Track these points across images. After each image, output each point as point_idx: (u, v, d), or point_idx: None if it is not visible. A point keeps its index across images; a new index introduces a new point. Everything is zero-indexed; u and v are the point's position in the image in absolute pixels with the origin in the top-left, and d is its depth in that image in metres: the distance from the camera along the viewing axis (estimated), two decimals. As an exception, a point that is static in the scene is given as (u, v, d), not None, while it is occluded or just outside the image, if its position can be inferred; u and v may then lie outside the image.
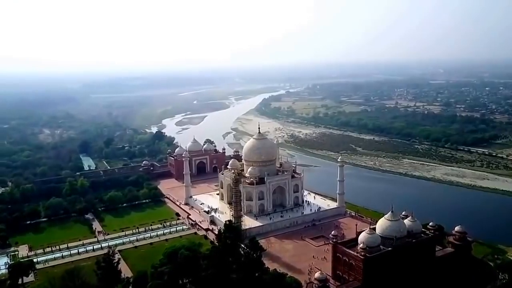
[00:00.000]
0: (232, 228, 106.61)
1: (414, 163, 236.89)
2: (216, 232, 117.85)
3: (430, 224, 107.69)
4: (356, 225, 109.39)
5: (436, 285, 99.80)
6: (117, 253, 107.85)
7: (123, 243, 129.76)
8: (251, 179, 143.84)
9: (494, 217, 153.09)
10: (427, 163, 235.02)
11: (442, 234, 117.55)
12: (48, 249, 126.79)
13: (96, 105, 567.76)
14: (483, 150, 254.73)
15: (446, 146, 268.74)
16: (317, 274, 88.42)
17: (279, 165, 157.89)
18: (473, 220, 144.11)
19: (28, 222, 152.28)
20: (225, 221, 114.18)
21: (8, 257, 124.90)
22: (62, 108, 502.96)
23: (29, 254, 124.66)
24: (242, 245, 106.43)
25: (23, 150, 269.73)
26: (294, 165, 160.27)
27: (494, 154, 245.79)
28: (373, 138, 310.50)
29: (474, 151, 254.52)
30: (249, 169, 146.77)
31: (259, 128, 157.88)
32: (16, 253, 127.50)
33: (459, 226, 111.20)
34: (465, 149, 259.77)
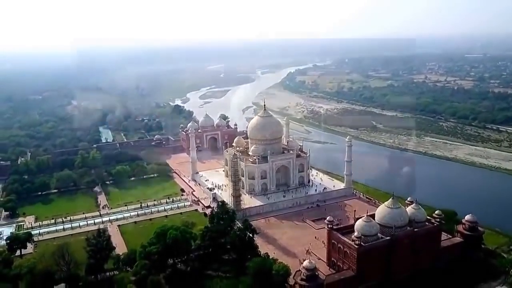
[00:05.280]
0: (226, 209, 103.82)
1: (436, 141, 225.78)
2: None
3: (436, 212, 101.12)
4: (355, 210, 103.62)
5: (439, 277, 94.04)
6: (107, 230, 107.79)
7: (124, 218, 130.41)
8: (254, 158, 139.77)
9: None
10: (450, 142, 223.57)
11: (454, 221, 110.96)
12: (52, 221, 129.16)
13: (126, 78, 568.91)
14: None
15: (473, 124, 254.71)
16: (305, 263, 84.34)
17: (286, 143, 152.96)
18: (491, 205, 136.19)
19: (39, 193, 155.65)
20: (218, 202, 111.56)
21: (15, 227, 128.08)
22: (94, 81, 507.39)
23: (33, 225, 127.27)
24: (238, 225, 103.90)
25: (48, 122, 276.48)
26: (300, 144, 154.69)
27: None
28: (396, 115, 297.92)
29: (504, 130, 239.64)
30: (252, 147, 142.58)
31: (264, 105, 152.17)
32: (22, 223, 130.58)
33: (470, 215, 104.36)
34: (494, 127, 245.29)
